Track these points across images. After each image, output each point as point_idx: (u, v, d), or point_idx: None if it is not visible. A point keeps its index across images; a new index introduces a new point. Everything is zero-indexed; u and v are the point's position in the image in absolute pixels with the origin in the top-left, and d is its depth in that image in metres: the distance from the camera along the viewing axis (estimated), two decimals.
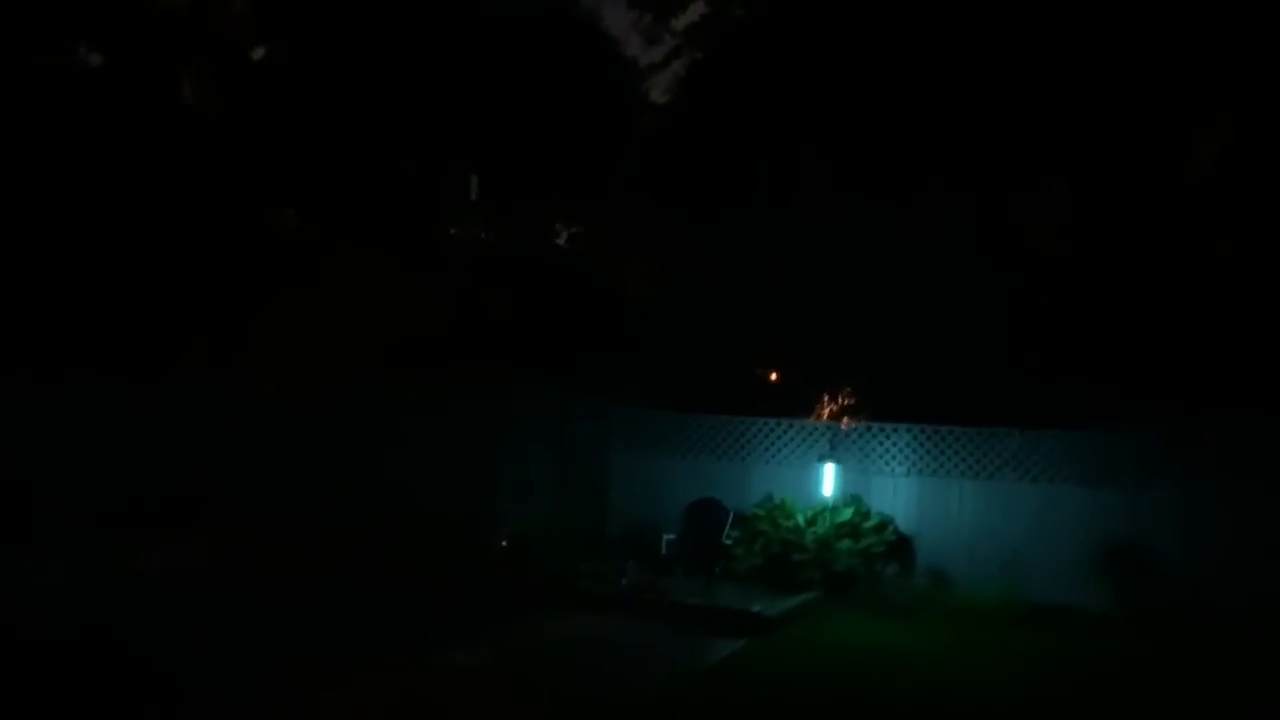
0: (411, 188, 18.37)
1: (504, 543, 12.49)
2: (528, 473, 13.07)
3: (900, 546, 11.37)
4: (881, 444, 11.71)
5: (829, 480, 11.39)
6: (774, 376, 18.57)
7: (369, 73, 17.11)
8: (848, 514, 11.31)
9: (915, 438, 11.60)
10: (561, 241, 21.25)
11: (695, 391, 13.70)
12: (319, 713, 6.71)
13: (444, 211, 20.12)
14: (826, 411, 16.99)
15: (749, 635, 9.08)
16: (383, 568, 11.14)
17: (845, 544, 11.11)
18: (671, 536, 10.85)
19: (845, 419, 13.03)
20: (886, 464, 11.68)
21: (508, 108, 17.36)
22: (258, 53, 18.08)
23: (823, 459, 11.51)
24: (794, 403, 13.72)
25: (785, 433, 12.15)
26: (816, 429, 12.07)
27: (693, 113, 14.94)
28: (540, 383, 13.95)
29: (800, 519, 11.41)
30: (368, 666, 7.67)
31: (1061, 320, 12.37)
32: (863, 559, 11.06)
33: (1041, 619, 10.14)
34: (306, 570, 10.95)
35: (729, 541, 10.95)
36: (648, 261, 19.54)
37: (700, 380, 15.30)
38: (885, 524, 11.38)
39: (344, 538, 12.27)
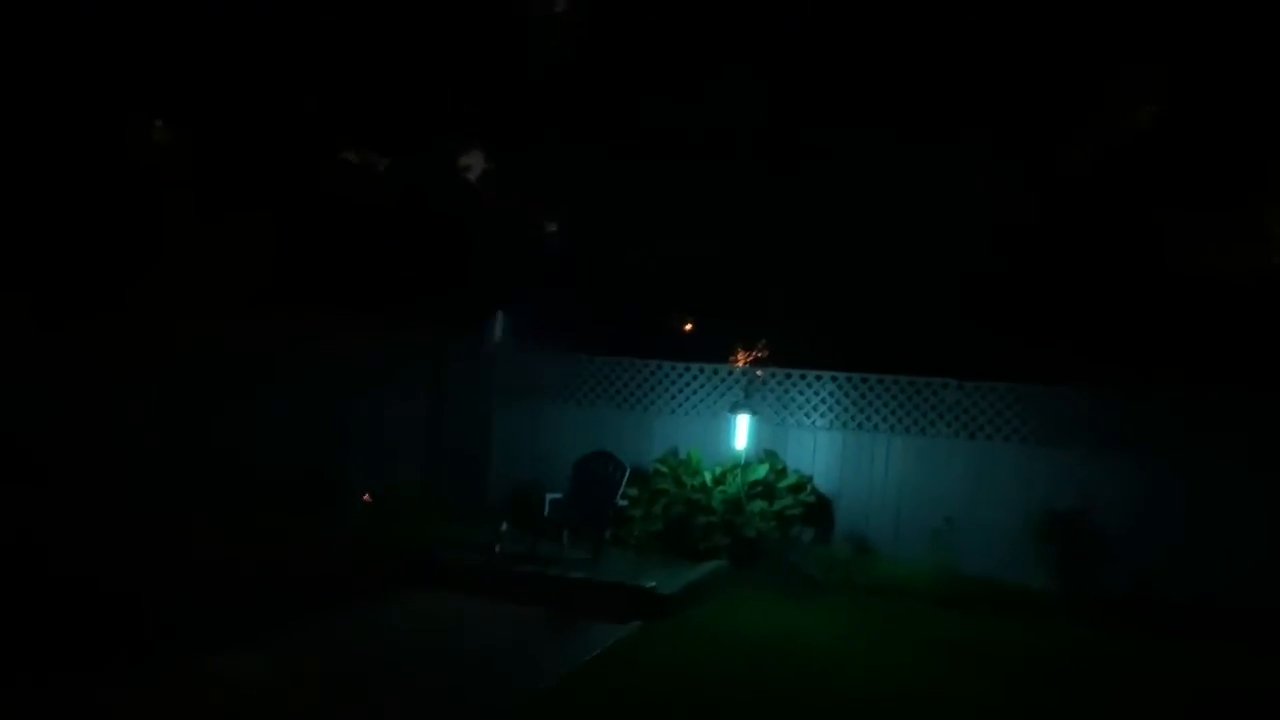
0: (295, 107, 15.80)
1: (366, 498, 10.41)
2: (398, 427, 10.89)
3: (819, 509, 9.65)
4: (802, 393, 9.93)
5: (742, 432, 9.56)
6: (689, 326, 16.67)
7: None
8: (761, 471, 9.52)
9: (840, 386, 9.84)
10: (473, 178, 18.99)
11: (602, 338, 11.72)
12: None
13: (333, 137, 17.56)
14: (743, 358, 15.21)
15: (640, 618, 7.22)
16: (201, 541, 8.75)
17: (758, 505, 9.34)
18: (557, 496, 8.90)
19: (760, 367, 11.24)
20: (807, 415, 9.91)
21: (391, 18, 14.91)
22: None
23: (735, 409, 9.66)
24: (711, 353, 11.84)
25: (695, 378, 10.27)
26: (730, 374, 10.22)
27: (605, 25, 12.74)
28: (418, 325, 11.74)
29: (708, 476, 9.60)
30: (86, 678, 5.33)
31: (1022, 277, 10.69)
32: (777, 523, 9.31)
33: (973, 598, 8.55)
34: (86, 543, 8.44)
35: (624, 502, 9.06)
36: (555, 198, 17.42)
37: (608, 326, 13.32)
38: (803, 483, 9.65)
39: (169, 505, 9.87)
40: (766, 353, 15.65)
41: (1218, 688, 6.72)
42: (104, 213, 13.60)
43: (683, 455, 10.04)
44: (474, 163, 18.91)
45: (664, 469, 9.80)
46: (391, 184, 17.02)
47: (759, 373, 10.25)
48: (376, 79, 15.50)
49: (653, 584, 7.71)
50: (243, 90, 14.91)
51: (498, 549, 8.47)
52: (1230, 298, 10.33)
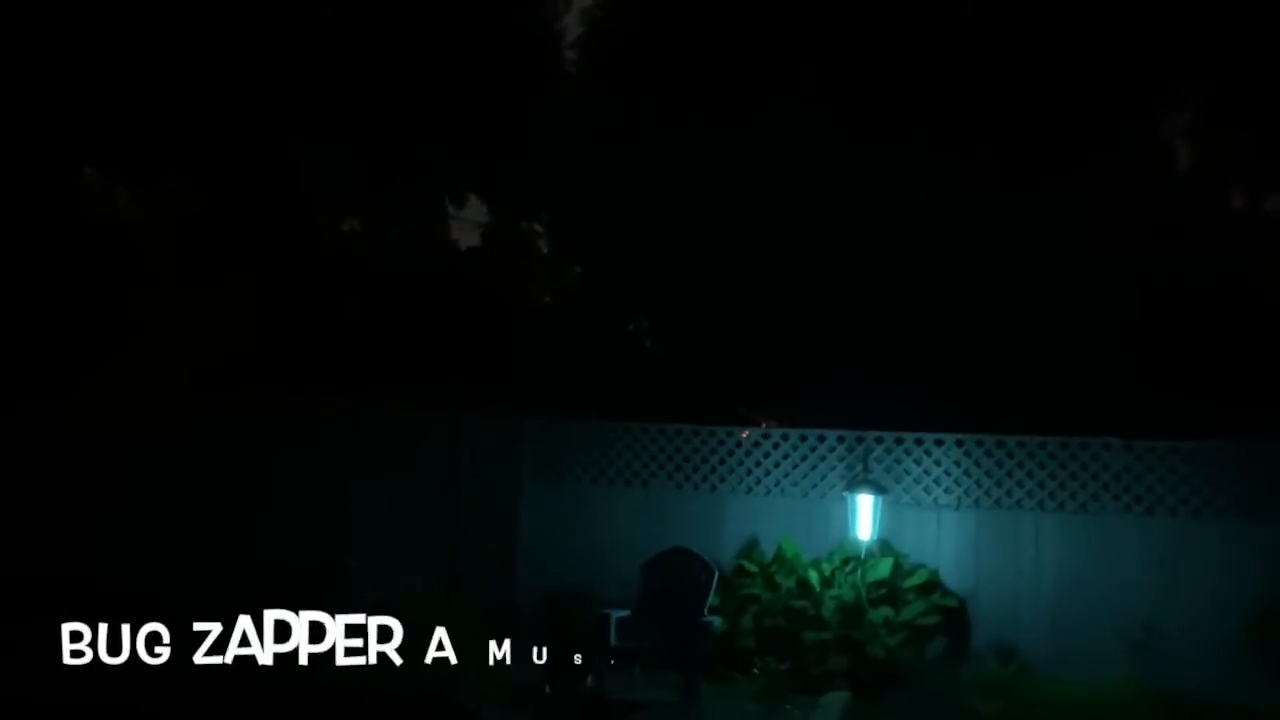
0: (268, 166, 13.41)
1: (364, 618, 7.75)
2: (404, 520, 8.30)
3: (953, 614, 7.15)
4: (919, 462, 7.48)
5: (865, 518, 7.04)
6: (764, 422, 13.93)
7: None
8: (885, 568, 7.02)
9: (968, 452, 7.42)
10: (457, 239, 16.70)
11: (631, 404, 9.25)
12: None
13: (307, 198, 15.14)
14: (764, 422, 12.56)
15: None
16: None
17: (882, 613, 6.84)
18: (625, 614, 6.32)
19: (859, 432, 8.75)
20: (927, 490, 7.46)
21: (379, 60, 12.67)
22: None
23: (854, 486, 7.15)
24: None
25: (778, 445, 7.82)
26: (825, 439, 7.73)
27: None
28: (422, 401, 9.30)
29: (811, 575, 7.09)
30: None
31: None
32: (908, 635, 6.80)
33: None
34: None
35: (715, 619, 6.50)
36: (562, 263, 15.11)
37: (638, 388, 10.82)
38: (933, 581, 7.16)
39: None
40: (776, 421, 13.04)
41: None
42: (68, 282, 11.22)
43: (764, 546, 7.55)
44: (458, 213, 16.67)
45: (751, 567, 7.27)
46: (392, 248, 14.62)
47: (859, 438, 7.77)
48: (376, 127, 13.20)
49: None
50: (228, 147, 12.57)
51: (548, 689, 5.87)
52: None
